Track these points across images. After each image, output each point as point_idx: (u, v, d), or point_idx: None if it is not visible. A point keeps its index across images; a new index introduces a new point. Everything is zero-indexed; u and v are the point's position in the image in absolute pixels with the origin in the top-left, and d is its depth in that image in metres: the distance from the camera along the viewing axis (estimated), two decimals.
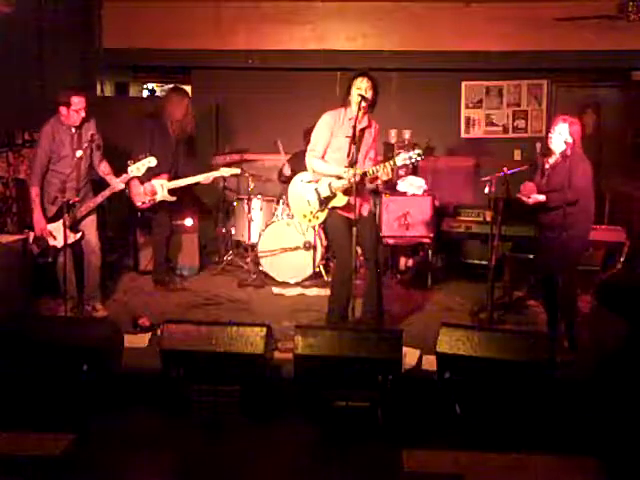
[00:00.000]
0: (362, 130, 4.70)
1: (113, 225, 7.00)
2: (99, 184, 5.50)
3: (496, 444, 3.59)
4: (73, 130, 5.26)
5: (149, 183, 6.08)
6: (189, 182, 6.22)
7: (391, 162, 4.56)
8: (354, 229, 4.41)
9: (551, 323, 4.91)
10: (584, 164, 4.67)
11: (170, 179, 6.17)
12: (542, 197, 4.69)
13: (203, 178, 6.17)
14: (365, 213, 4.89)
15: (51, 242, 5.24)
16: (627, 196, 6.68)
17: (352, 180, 4.45)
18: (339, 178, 4.71)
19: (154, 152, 6.07)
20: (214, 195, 7.43)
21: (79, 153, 5.05)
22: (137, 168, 5.29)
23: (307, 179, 4.91)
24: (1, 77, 6.00)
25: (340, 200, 4.76)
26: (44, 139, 5.23)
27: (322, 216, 4.87)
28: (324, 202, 4.82)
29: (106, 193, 5.30)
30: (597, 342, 4.73)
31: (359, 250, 4.95)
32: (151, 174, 6.08)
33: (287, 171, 6.92)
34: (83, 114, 5.22)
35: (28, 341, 3.99)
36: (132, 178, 5.62)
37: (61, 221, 5.01)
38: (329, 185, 4.77)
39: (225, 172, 6.33)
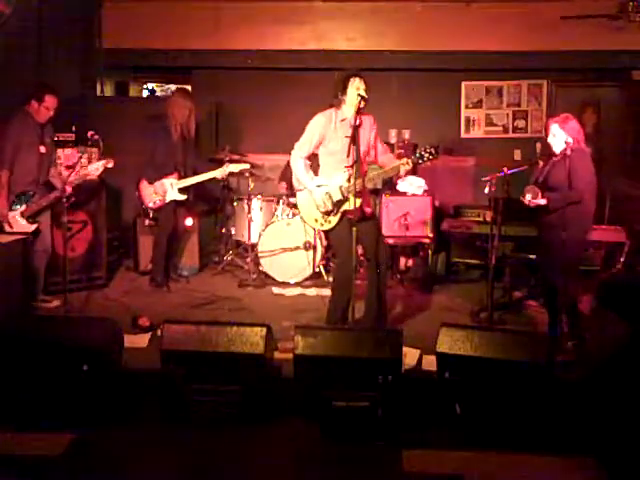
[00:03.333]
0: (357, 129, 4.64)
1: (114, 225, 6.99)
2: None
3: (496, 444, 3.59)
4: (38, 127, 5.40)
5: (159, 183, 6.14)
6: (200, 179, 6.25)
7: (411, 159, 4.61)
8: (354, 229, 4.41)
9: (551, 323, 4.90)
10: (585, 161, 4.56)
11: (180, 178, 6.20)
12: (543, 201, 4.57)
13: (218, 174, 6.21)
14: (366, 214, 4.87)
15: (7, 229, 5.32)
16: (627, 196, 6.67)
17: (351, 189, 4.48)
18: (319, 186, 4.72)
19: (159, 152, 6.16)
20: (214, 195, 7.45)
21: (42, 149, 5.37)
22: (79, 177, 5.29)
23: (316, 183, 4.85)
24: (1, 77, 6.00)
25: (352, 203, 4.62)
26: (16, 126, 5.33)
27: (335, 220, 4.77)
28: (336, 206, 4.74)
29: (57, 194, 5.29)
30: (597, 342, 4.73)
31: (360, 250, 4.93)
32: (161, 174, 6.12)
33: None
34: (52, 113, 5.40)
35: (28, 341, 3.99)
36: (141, 186, 5.96)
37: (18, 212, 5.33)
38: (340, 188, 4.70)
39: (234, 168, 6.32)
